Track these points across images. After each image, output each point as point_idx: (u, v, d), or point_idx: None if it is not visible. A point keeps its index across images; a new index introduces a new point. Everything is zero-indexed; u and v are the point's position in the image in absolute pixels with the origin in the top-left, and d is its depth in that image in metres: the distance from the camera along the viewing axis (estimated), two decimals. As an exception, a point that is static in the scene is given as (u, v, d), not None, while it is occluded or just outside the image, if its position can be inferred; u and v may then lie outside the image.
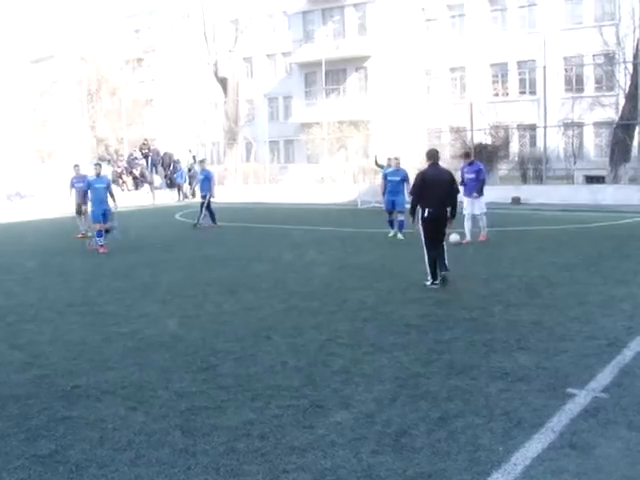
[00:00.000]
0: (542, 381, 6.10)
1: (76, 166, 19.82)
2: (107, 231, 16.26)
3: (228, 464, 4.64)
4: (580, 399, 5.64)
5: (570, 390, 5.84)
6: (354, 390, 6.01)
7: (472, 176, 15.59)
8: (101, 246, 16.00)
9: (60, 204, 29.84)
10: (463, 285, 10.83)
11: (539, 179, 29.62)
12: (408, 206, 12.19)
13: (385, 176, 17.64)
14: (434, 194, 10.53)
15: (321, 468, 4.55)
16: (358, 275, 12.25)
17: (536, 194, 27.54)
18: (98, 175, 16.80)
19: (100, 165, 18.00)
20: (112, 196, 16.54)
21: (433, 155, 11.03)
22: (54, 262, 14.85)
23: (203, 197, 21.42)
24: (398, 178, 17.21)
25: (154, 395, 6.04)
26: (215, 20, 46.67)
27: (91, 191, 16.44)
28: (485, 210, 15.93)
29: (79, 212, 19.52)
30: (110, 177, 35.24)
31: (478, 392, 5.87)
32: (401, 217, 16.98)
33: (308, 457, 4.71)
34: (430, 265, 10.78)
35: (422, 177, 10.81)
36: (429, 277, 10.80)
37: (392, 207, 17.17)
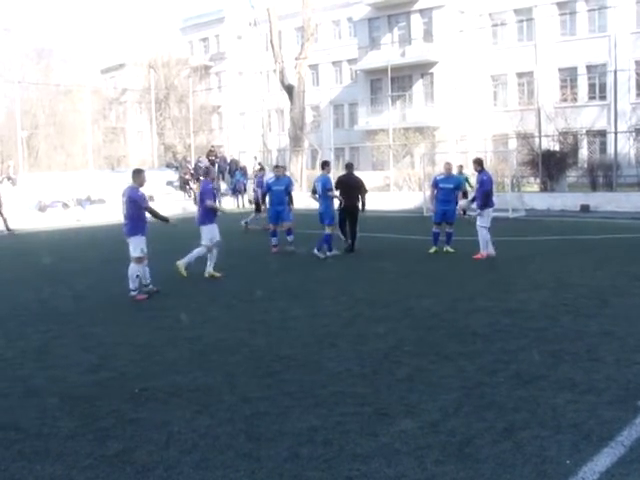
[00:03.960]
0: (612, 393, 5.95)
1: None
2: (288, 232, 17.05)
3: (292, 469, 4.66)
4: (652, 413, 5.48)
5: (641, 403, 5.68)
6: (419, 398, 5.97)
7: (477, 186, 14.63)
8: (274, 246, 16.95)
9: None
10: (530, 294, 10.65)
11: (609, 186, 28.83)
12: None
13: (436, 184, 15.91)
14: (347, 193, 16.02)
15: (384, 476, 4.53)
16: (423, 283, 12.18)
17: (606, 202, 26.83)
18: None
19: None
20: (290, 198, 17.45)
21: (348, 166, 16.79)
22: (121, 267, 15.09)
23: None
24: (451, 186, 15.74)
25: (219, 399, 6.11)
26: (281, 28, 47.07)
27: (270, 193, 17.17)
28: (487, 225, 14.58)
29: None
30: (177, 183, 36.02)
31: (545, 403, 5.75)
32: (450, 229, 15.77)
33: (371, 465, 4.69)
34: (342, 231, 16.33)
35: (338, 181, 16.39)
36: (343, 238, 16.32)
37: (442, 218, 15.78)
